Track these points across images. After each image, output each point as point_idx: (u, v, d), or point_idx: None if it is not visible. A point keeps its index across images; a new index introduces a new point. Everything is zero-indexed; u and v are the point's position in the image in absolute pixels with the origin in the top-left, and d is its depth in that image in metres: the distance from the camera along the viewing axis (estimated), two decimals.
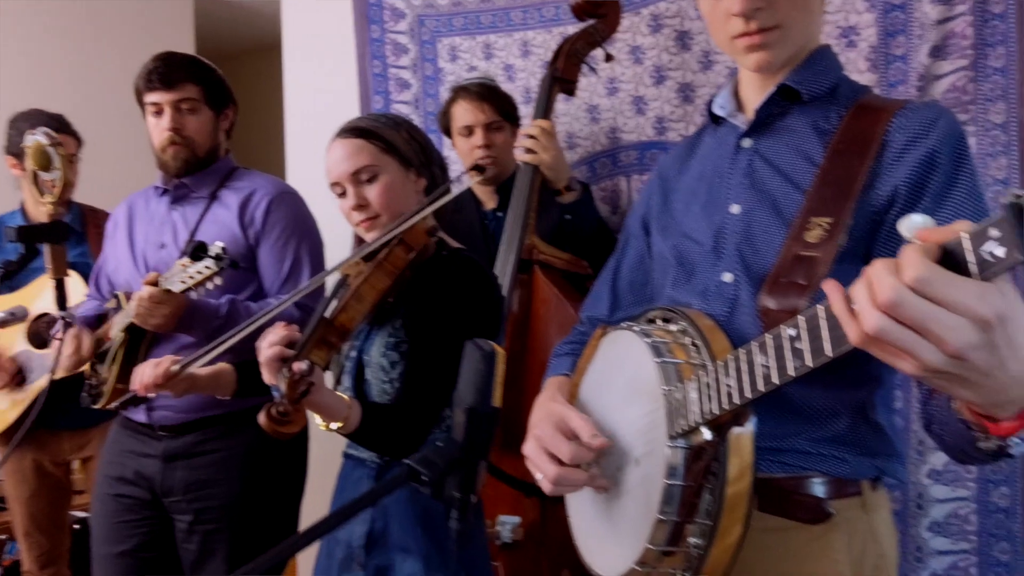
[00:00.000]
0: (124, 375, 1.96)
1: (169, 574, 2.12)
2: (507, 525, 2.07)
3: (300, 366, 1.37)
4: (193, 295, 1.83)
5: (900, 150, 1.07)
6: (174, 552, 2.12)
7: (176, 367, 1.68)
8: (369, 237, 1.61)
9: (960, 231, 0.67)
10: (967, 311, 0.66)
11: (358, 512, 0.95)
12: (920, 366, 0.69)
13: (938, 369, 0.69)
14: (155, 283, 1.83)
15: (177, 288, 1.79)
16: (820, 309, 0.80)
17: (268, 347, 1.41)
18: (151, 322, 1.89)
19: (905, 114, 1.09)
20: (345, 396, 1.47)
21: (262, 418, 1.36)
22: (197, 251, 1.73)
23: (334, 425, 1.45)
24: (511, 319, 2.21)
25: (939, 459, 2.08)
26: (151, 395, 1.73)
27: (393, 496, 1.57)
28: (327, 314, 1.47)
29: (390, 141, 1.63)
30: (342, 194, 1.63)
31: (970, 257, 0.66)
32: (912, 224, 0.71)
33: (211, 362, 1.72)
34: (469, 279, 1.61)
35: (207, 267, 1.73)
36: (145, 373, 1.70)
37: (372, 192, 1.60)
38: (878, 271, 0.69)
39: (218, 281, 1.76)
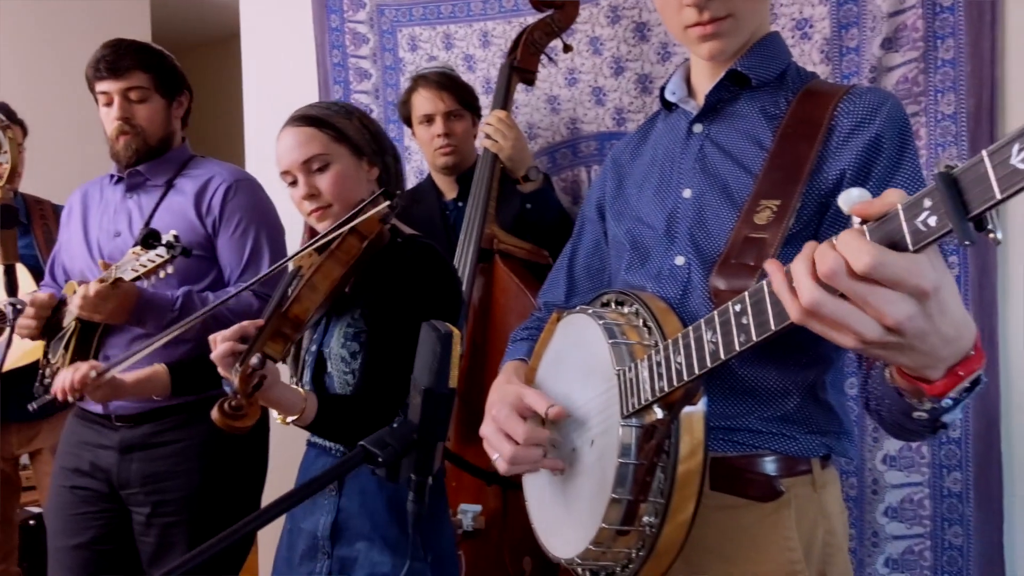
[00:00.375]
0: (75, 362, 1.94)
1: (127, 567, 2.09)
2: (469, 514, 2.08)
3: (252, 360, 1.36)
4: (145, 285, 1.81)
5: (846, 134, 1.09)
6: (132, 545, 2.09)
7: (94, 373, 1.65)
8: (321, 227, 1.60)
9: (896, 202, 0.68)
10: (905, 285, 0.69)
11: (315, 492, 0.94)
12: (859, 338, 0.73)
13: (877, 341, 0.72)
14: (102, 281, 1.81)
15: (128, 276, 1.76)
16: (765, 285, 0.82)
17: (221, 342, 1.40)
18: (96, 317, 1.87)
19: (851, 99, 1.11)
20: (301, 389, 1.46)
21: (215, 413, 1.35)
22: (148, 239, 1.71)
23: (291, 418, 1.44)
24: (472, 309, 2.22)
25: (893, 445, 2.12)
26: (72, 399, 1.71)
27: (360, 485, 1.58)
28: (281, 306, 1.45)
29: (341, 130, 1.61)
30: (293, 183, 1.60)
31: (907, 227, 0.68)
32: (850, 198, 0.73)
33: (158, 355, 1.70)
34: (426, 265, 1.60)
35: (159, 255, 1.71)
36: (64, 378, 1.67)
37: (323, 181, 1.58)
38: (818, 248, 0.72)
39: (170, 269, 1.74)
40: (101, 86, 2.07)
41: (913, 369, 0.79)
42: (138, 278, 1.76)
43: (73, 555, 2.07)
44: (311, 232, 1.69)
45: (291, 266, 1.59)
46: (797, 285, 0.74)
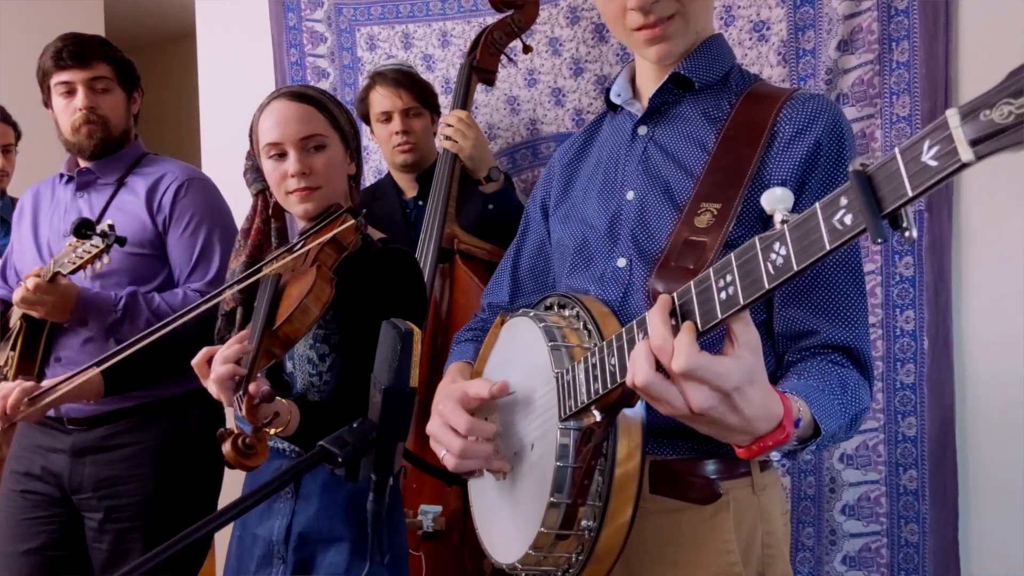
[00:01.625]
0: (23, 364, 1.92)
1: (79, 574, 2.06)
2: (429, 515, 2.07)
3: (263, 388, 1.30)
4: (87, 284, 1.78)
5: (788, 141, 1.09)
6: (85, 551, 2.06)
7: (26, 399, 1.62)
8: (299, 209, 1.56)
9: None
10: (711, 384, 0.81)
11: (273, 493, 0.92)
12: (673, 412, 0.85)
13: (686, 417, 0.85)
14: (39, 275, 1.79)
15: (67, 270, 1.74)
16: (691, 285, 0.82)
17: (221, 363, 1.33)
18: (37, 312, 1.84)
19: (793, 105, 1.11)
20: (283, 400, 1.41)
21: (228, 450, 1.29)
22: (82, 228, 1.68)
23: (275, 431, 1.39)
24: (432, 309, 2.20)
25: (850, 444, 2.14)
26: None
27: (316, 487, 1.56)
28: (271, 325, 1.39)
29: (336, 117, 1.59)
30: (280, 157, 1.54)
31: (824, 227, 0.69)
32: (773, 198, 0.73)
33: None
34: (406, 272, 1.59)
35: (94, 245, 1.69)
36: None
37: (318, 162, 1.54)
38: (652, 333, 0.84)
39: (106, 259, 1.71)
40: (62, 76, 2.03)
41: (720, 439, 0.90)
42: (76, 269, 1.74)
43: (23, 561, 2.03)
44: (260, 232, 1.65)
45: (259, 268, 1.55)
46: (637, 362, 0.85)
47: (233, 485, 2.16)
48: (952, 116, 0.58)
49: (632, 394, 0.99)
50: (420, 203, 2.34)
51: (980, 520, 2.06)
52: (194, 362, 1.40)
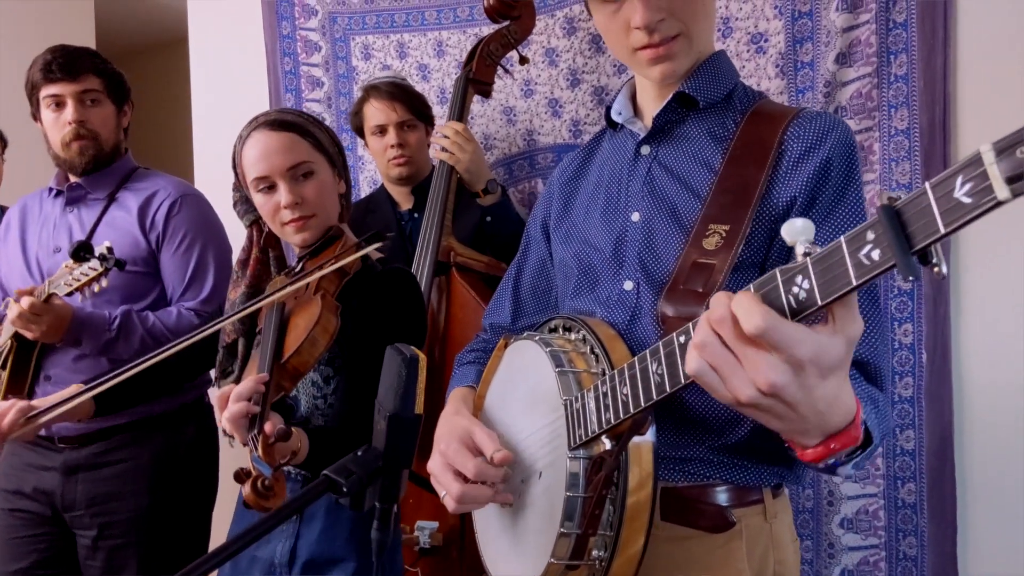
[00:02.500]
0: (13, 384, 1.88)
1: None
2: (426, 531, 2.05)
3: (278, 427, 1.27)
4: (80, 303, 1.76)
5: (796, 159, 1.08)
6: (77, 570, 2.03)
7: (23, 420, 1.58)
8: (297, 239, 1.54)
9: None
10: (784, 352, 0.71)
11: (280, 523, 0.90)
12: (734, 396, 0.75)
13: (750, 401, 0.74)
14: (32, 292, 1.76)
15: (62, 291, 1.71)
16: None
17: (234, 401, 1.31)
18: (31, 334, 1.81)
19: (800, 123, 1.10)
20: (293, 429, 1.37)
21: (246, 492, 1.26)
22: (80, 251, 1.65)
23: (284, 459, 1.36)
24: (428, 323, 2.18)
25: None
26: None
27: (320, 509, 1.53)
28: (279, 358, 1.36)
29: (319, 140, 1.56)
30: (269, 189, 1.52)
31: (850, 261, 0.67)
32: (794, 229, 0.71)
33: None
34: (410, 295, 1.57)
35: (92, 268, 1.66)
36: None
37: (308, 190, 1.52)
38: (713, 297, 0.75)
39: (104, 283, 1.69)
40: (51, 89, 2.01)
41: (786, 434, 0.81)
42: (72, 292, 1.71)
43: None
44: (258, 262, 1.62)
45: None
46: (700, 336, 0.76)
47: (228, 500, 2.13)
48: (987, 152, 0.56)
49: (644, 421, 0.97)
50: (416, 216, 2.32)
51: (978, 534, 2.06)
52: (215, 400, 1.38)
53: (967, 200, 0.58)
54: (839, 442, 0.79)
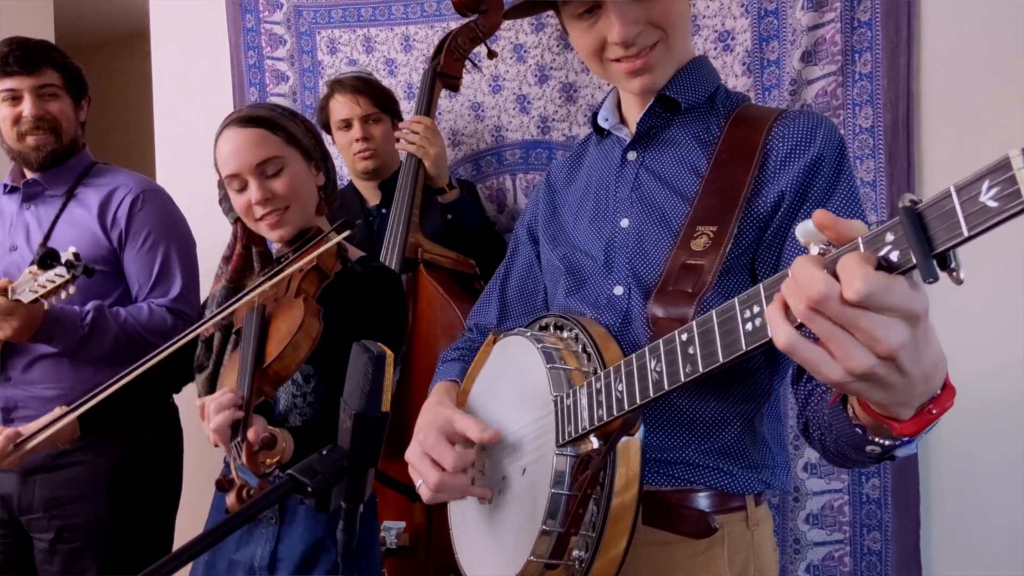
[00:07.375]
0: None
1: None
2: (392, 531, 2.03)
3: (263, 435, 1.26)
4: (49, 303, 1.70)
5: (783, 158, 1.08)
6: (34, 574, 1.99)
7: (11, 447, 1.53)
8: (273, 235, 1.53)
9: (856, 233, 0.66)
10: (901, 309, 0.64)
11: (246, 522, 0.88)
12: (848, 370, 0.67)
13: (865, 372, 0.67)
14: (4, 291, 1.70)
15: (27, 298, 1.66)
16: (713, 315, 0.79)
17: (216, 412, 1.29)
18: (2, 333, 1.75)
19: (784, 123, 1.10)
20: (275, 430, 1.36)
21: (231, 501, 1.27)
22: (47, 258, 1.60)
23: (270, 460, 1.34)
24: None
25: (814, 453, 2.15)
26: None
27: (301, 511, 1.52)
28: (260, 363, 1.34)
29: (292, 132, 1.55)
30: (241, 188, 1.52)
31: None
32: (808, 231, 0.70)
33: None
34: (390, 293, 1.57)
35: (58, 275, 1.61)
36: None
37: (279, 185, 1.51)
38: (802, 271, 0.67)
39: (71, 290, 1.64)
40: (7, 83, 1.96)
41: (885, 408, 0.74)
42: (37, 300, 1.65)
43: None
44: (241, 257, 1.59)
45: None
46: (790, 301, 0.68)
47: (192, 504, 2.09)
48: (1016, 157, 0.56)
49: (634, 421, 0.96)
50: (384, 211, 2.30)
51: (942, 528, 2.09)
52: (200, 406, 1.36)
53: (993, 204, 0.58)
54: (939, 406, 0.73)
